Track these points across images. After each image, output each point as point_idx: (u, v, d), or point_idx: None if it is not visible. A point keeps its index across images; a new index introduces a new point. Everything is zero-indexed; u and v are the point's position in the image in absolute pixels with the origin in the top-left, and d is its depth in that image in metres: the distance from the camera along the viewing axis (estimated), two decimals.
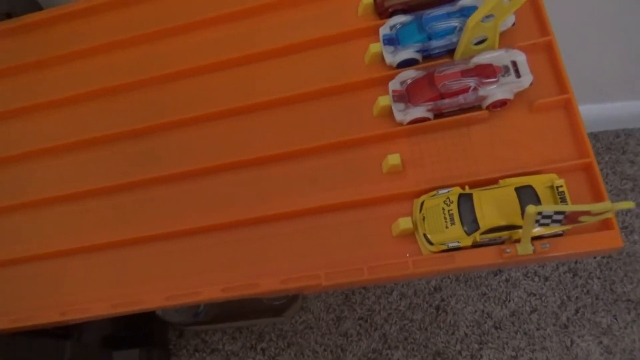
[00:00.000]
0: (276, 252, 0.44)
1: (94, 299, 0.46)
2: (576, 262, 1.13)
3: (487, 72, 0.42)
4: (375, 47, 0.47)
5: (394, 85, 0.45)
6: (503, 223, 0.37)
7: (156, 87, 0.52)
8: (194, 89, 0.51)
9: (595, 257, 1.14)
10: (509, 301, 1.11)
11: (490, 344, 1.07)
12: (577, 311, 1.09)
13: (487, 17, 0.41)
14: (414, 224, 0.41)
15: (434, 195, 0.41)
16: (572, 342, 1.06)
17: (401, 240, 0.42)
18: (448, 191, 0.41)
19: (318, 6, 0.52)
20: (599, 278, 1.11)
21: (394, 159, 0.43)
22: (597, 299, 1.09)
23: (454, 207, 0.39)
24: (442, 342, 1.08)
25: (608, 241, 0.36)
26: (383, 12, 0.49)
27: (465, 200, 0.39)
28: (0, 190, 0.54)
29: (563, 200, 0.37)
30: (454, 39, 0.45)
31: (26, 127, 0.55)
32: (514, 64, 0.43)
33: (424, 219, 0.41)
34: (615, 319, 1.07)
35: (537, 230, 0.37)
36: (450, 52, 0.46)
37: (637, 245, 1.12)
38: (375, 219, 0.44)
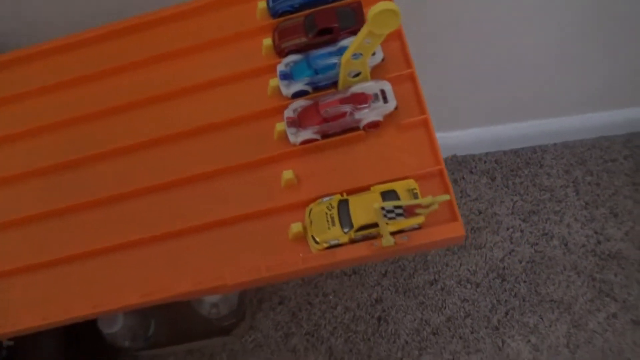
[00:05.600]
0: (192, 260, 0.51)
1: None
2: (504, 269, 1.23)
3: (360, 99, 0.51)
4: (274, 82, 0.56)
5: (288, 112, 0.54)
6: (370, 221, 0.45)
7: (89, 124, 0.60)
8: (120, 123, 0.59)
9: (521, 262, 1.24)
10: (445, 308, 1.19)
11: (429, 349, 1.15)
12: (506, 313, 1.18)
13: (356, 55, 0.50)
14: (304, 228, 0.49)
15: (319, 203, 0.49)
16: (503, 342, 1.15)
17: (296, 243, 0.50)
18: (330, 198, 0.49)
19: (229, 49, 0.61)
20: (525, 282, 1.21)
21: (287, 174, 0.51)
22: (524, 300, 1.19)
23: (334, 212, 0.47)
24: (384, 350, 1.15)
25: (453, 231, 0.44)
26: (280, 52, 0.58)
27: (343, 205, 0.48)
28: None
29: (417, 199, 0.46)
30: (336, 73, 0.54)
31: None
32: (383, 92, 0.52)
33: (311, 222, 0.48)
34: (541, 318, 1.16)
35: (397, 225, 0.45)
36: (335, 84, 0.55)
37: (557, 250, 1.23)
38: (275, 226, 0.51)
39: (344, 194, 0.49)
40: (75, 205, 0.56)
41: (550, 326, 1.13)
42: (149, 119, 0.59)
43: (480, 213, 1.26)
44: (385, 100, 0.51)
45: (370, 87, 0.52)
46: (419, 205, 0.43)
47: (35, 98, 0.64)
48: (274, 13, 0.60)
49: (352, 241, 0.47)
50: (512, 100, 1.20)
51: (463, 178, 1.31)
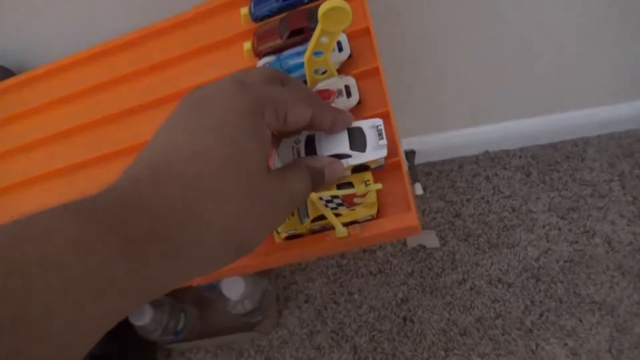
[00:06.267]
0: None
1: None
2: (539, 268, 1.17)
3: (324, 95, 0.52)
4: None
5: None
6: (323, 212, 0.46)
7: (97, 129, 0.67)
8: (126, 126, 0.65)
9: (558, 262, 1.17)
10: (474, 308, 1.15)
11: (456, 351, 1.11)
12: (541, 315, 1.12)
13: (317, 53, 0.51)
14: None
15: None
16: (537, 345, 1.09)
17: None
18: None
19: (216, 54, 0.65)
20: (562, 282, 1.14)
21: None
22: (561, 302, 1.12)
23: None
24: (409, 350, 1.13)
25: (405, 221, 0.44)
26: (258, 55, 0.61)
27: None
28: None
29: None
30: (304, 72, 0.55)
31: None
32: (347, 87, 0.53)
33: None
34: (580, 321, 1.09)
35: (350, 215, 0.46)
36: (305, 82, 0.57)
37: (599, 248, 1.15)
38: None
39: None
40: None
41: (590, 329, 1.06)
42: (148, 121, 0.64)
43: (514, 210, 1.21)
44: (349, 95, 0.52)
45: (334, 83, 0.53)
46: (355, 195, 0.43)
47: (47, 111, 0.72)
48: (255, 18, 0.63)
49: (312, 232, 0.48)
50: (548, 90, 1.14)
51: (496, 174, 1.26)
